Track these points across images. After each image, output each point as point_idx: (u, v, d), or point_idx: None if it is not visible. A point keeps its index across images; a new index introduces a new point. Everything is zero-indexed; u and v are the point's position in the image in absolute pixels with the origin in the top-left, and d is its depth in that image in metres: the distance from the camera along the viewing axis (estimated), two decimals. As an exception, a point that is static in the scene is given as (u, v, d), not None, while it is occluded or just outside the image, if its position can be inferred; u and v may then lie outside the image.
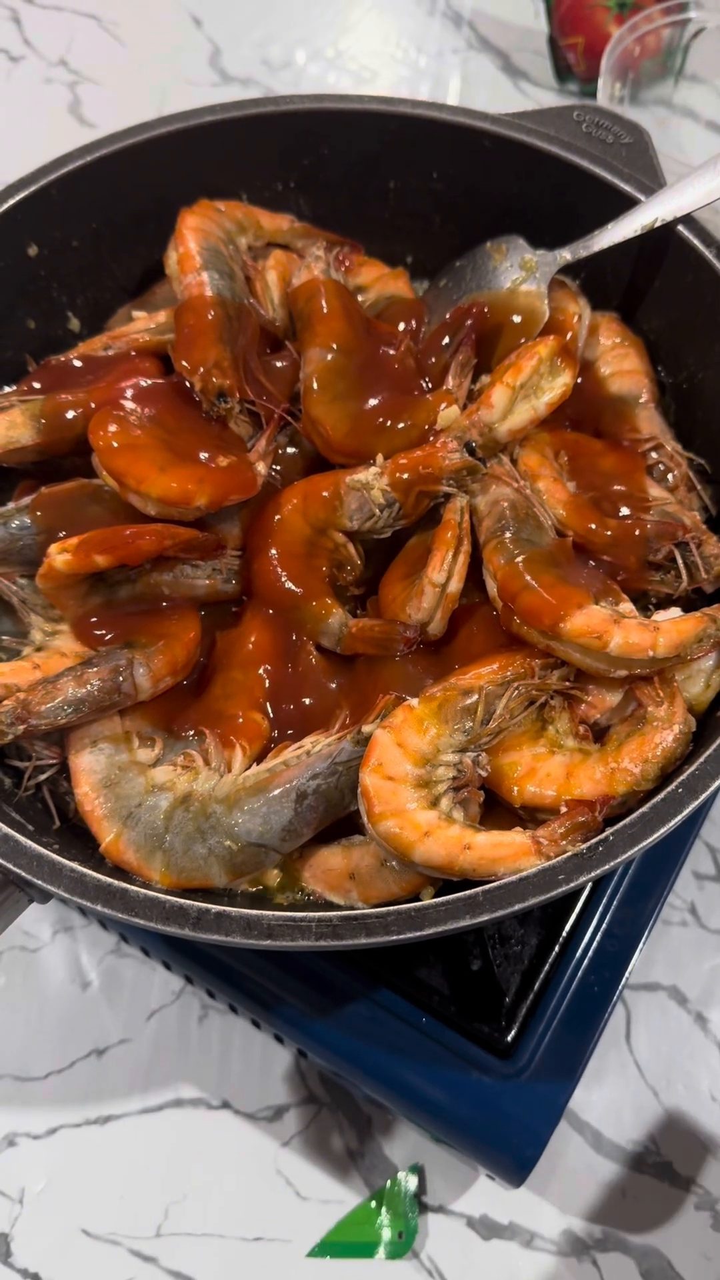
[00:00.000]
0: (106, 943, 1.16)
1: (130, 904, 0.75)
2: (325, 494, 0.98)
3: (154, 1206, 1.07)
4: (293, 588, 0.96)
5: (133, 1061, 1.12)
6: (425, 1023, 0.95)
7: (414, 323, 1.12)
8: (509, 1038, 0.96)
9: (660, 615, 0.90)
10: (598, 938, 0.98)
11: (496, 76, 1.78)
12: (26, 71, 1.80)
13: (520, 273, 1.08)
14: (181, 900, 0.75)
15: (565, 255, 1.07)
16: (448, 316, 1.08)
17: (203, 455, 0.95)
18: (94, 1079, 1.12)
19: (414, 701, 0.86)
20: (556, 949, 0.98)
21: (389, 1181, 1.06)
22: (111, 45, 1.83)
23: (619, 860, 0.75)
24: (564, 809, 0.82)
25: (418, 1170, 1.07)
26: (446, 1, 1.87)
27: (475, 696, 0.85)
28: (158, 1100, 1.11)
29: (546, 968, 0.98)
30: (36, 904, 0.83)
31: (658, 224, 1.01)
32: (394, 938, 0.72)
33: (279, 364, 1.06)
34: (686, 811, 0.76)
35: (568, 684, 0.89)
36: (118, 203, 1.12)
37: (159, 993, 1.15)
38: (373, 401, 1.01)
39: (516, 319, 1.06)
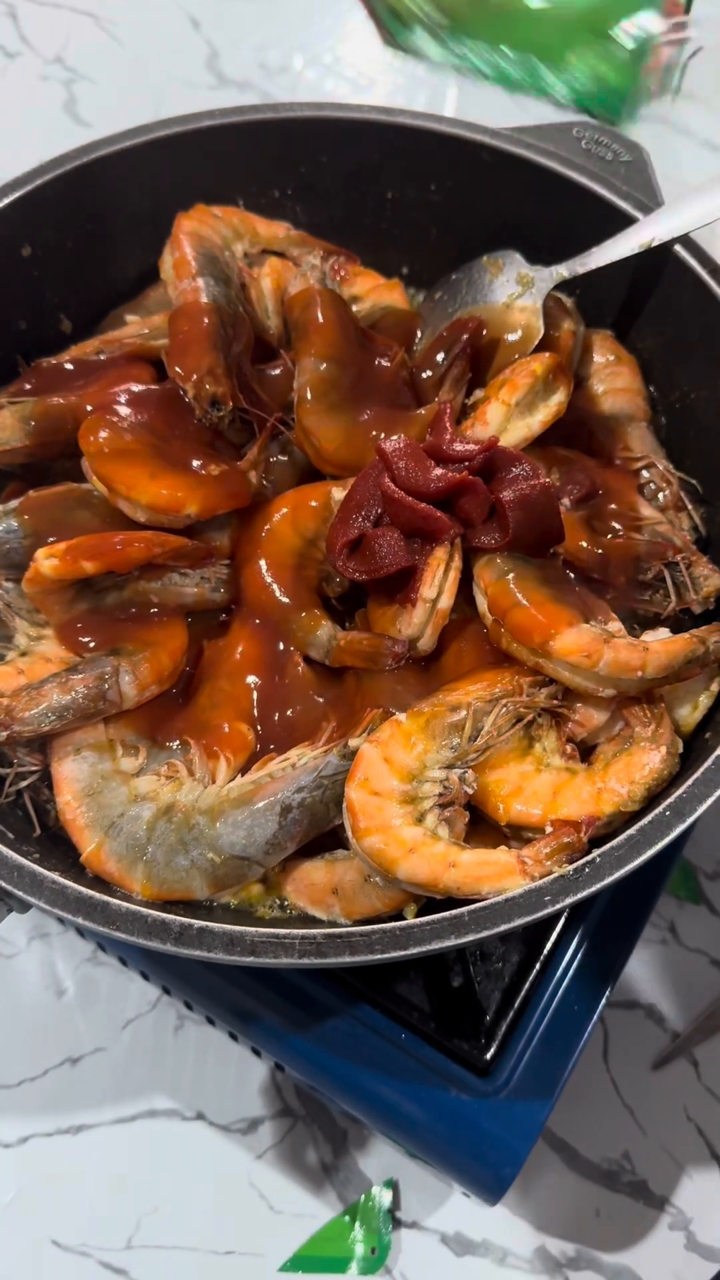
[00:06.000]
0: (83, 950, 1.15)
1: (111, 917, 0.74)
2: (315, 504, 0.97)
3: (125, 1218, 1.06)
4: (282, 598, 0.95)
5: (107, 1071, 1.11)
6: (404, 1039, 0.94)
7: (408, 334, 1.12)
8: (488, 1055, 0.95)
9: (649, 635, 0.90)
10: (579, 956, 0.97)
11: (493, 89, 1.78)
12: (22, 68, 1.78)
13: (516, 288, 1.07)
14: (164, 915, 0.74)
15: (562, 272, 1.07)
16: (443, 330, 1.08)
17: (194, 463, 0.95)
18: (67, 1088, 1.10)
19: (402, 716, 0.85)
20: (538, 967, 0.98)
21: (363, 1196, 1.06)
22: (109, 44, 1.82)
23: (605, 883, 0.74)
24: (550, 828, 0.82)
25: (392, 1185, 1.07)
26: (446, 12, 1.87)
27: (463, 713, 0.85)
28: (131, 1110, 1.10)
29: (527, 986, 0.97)
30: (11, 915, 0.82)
31: (655, 243, 1.01)
32: (378, 956, 0.72)
33: (273, 373, 1.05)
34: (673, 835, 0.76)
35: (556, 702, 0.89)
36: (113, 205, 1.11)
37: (135, 1002, 1.14)
38: (366, 413, 1.01)
39: (511, 335, 1.05)
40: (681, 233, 1.01)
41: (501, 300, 1.08)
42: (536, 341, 1.05)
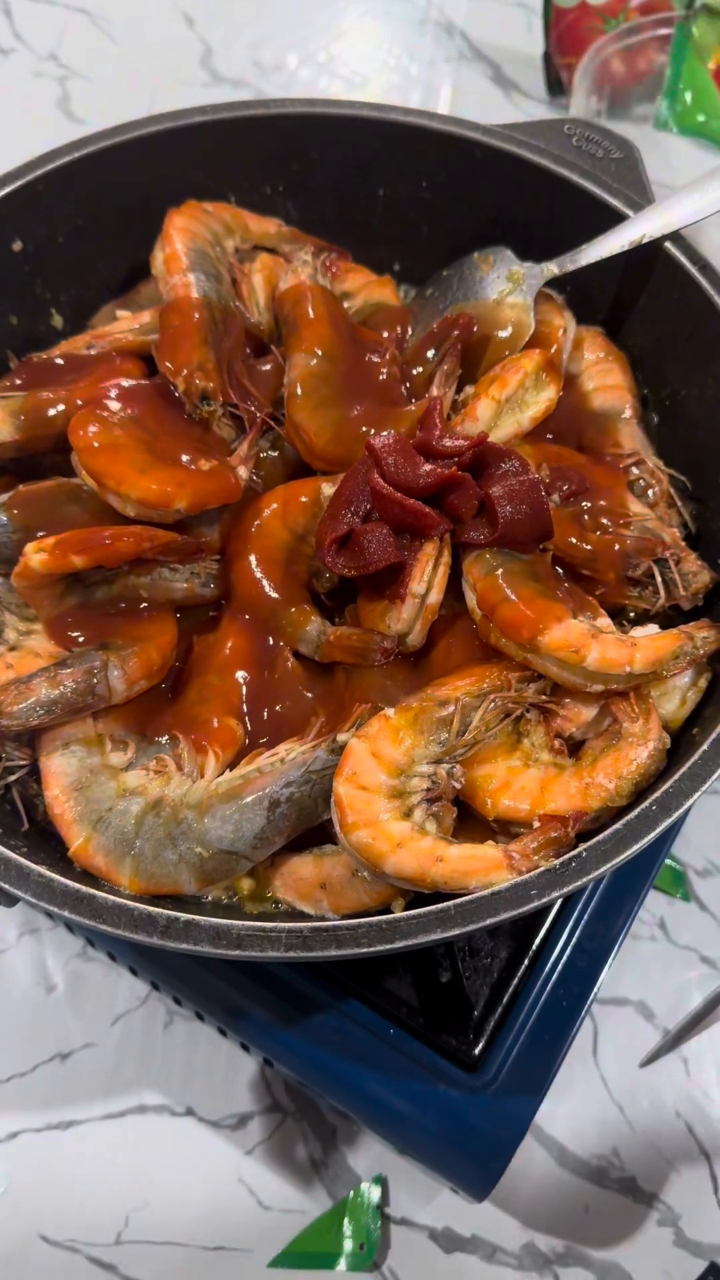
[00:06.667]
0: (72, 946, 1.15)
1: (98, 910, 0.74)
2: (305, 500, 0.97)
3: (114, 1213, 1.06)
4: (271, 593, 0.95)
5: (96, 1066, 1.11)
6: (393, 1034, 0.94)
7: (399, 330, 1.12)
8: (477, 1051, 0.95)
9: (638, 631, 0.90)
10: (567, 952, 0.98)
11: (487, 87, 1.78)
12: (16, 65, 1.79)
13: (507, 284, 1.08)
14: (150, 908, 0.74)
15: (552, 268, 1.07)
16: (434, 326, 1.08)
17: (184, 458, 0.95)
18: (57, 1083, 1.10)
19: (390, 711, 0.85)
20: (526, 962, 0.98)
21: (352, 1192, 1.06)
22: (103, 41, 1.82)
23: (591, 876, 0.74)
24: (537, 823, 0.82)
25: (381, 1181, 1.07)
26: (440, 10, 1.87)
27: (451, 707, 0.85)
28: (121, 1106, 1.10)
29: (516, 981, 0.98)
30: (3, 907, 0.82)
31: (645, 240, 1.02)
32: (364, 950, 0.72)
33: (263, 368, 1.05)
34: (660, 829, 0.76)
35: (544, 697, 0.89)
36: (105, 200, 1.11)
37: (125, 997, 1.14)
38: (356, 409, 1.01)
39: (502, 331, 1.05)
40: (672, 229, 1.01)
41: (492, 296, 1.08)
42: (527, 338, 1.05)
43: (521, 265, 1.08)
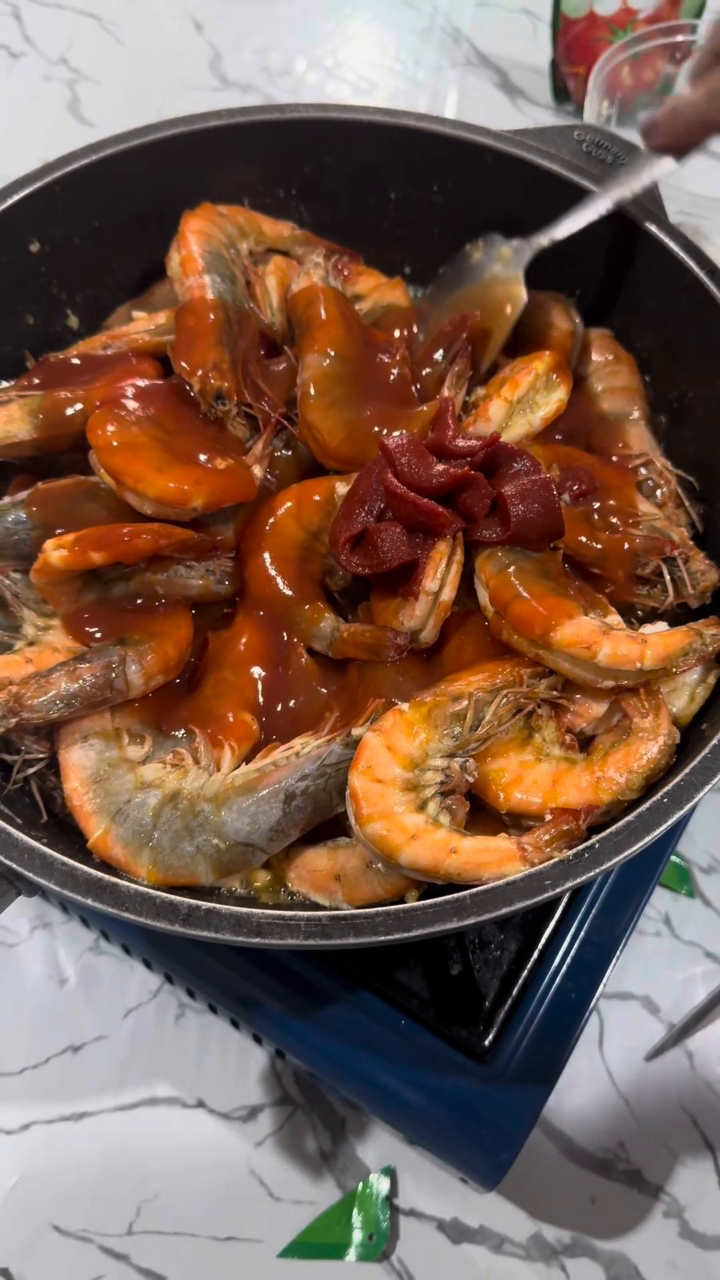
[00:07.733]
0: (85, 940, 1.16)
1: (121, 899, 0.75)
2: (318, 498, 0.99)
3: (126, 1204, 1.06)
4: (285, 591, 0.96)
5: (108, 1058, 1.12)
6: (404, 1025, 0.95)
7: (410, 332, 1.14)
8: (487, 1042, 0.97)
9: (647, 629, 0.91)
10: (576, 945, 0.99)
11: (493, 93, 1.80)
12: (26, 68, 1.80)
13: (497, 265, 1.10)
14: (171, 896, 0.75)
15: (541, 241, 1.08)
16: (445, 325, 1.10)
17: (201, 457, 0.96)
18: (69, 1075, 1.11)
19: (404, 706, 0.86)
20: (535, 955, 0.99)
21: (361, 1183, 1.07)
22: (112, 45, 1.84)
23: (604, 867, 0.76)
24: (549, 816, 0.83)
25: (390, 1173, 1.08)
26: (446, 17, 1.89)
27: (465, 703, 0.86)
28: (132, 1098, 1.11)
29: (525, 974, 0.99)
30: (17, 899, 0.83)
31: (620, 203, 1.05)
32: (382, 938, 0.73)
33: (277, 368, 1.07)
34: (671, 821, 0.77)
35: (555, 693, 0.90)
36: (120, 203, 1.12)
37: (136, 991, 1.15)
38: (368, 409, 1.02)
39: (498, 305, 1.07)
40: (636, 193, 1.03)
41: (485, 278, 1.10)
42: (520, 306, 1.07)
43: (508, 243, 1.10)
